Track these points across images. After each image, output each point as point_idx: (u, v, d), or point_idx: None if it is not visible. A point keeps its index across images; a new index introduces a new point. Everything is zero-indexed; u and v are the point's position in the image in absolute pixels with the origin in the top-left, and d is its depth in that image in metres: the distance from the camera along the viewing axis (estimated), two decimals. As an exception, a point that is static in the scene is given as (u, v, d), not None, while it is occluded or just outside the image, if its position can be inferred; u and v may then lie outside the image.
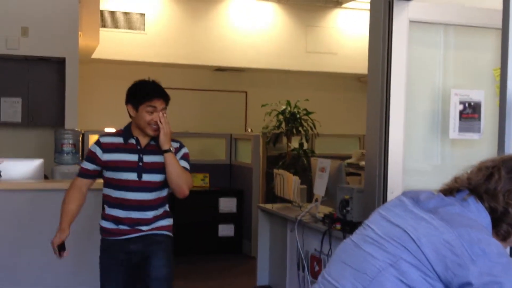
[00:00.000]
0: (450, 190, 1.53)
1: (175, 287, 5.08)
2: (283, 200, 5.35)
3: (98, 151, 2.87)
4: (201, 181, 6.66)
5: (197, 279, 5.55)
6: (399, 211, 1.49)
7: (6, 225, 3.88)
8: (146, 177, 2.83)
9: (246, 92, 9.31)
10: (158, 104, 2.81)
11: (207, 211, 6.43)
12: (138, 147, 2.86)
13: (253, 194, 6.46)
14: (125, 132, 2.91)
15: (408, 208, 1.48)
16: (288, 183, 5.07)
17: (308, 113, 7.65)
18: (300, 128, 7.62)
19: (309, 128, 7.62)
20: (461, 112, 2.98)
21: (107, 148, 2.87)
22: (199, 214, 6.30)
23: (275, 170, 5.67)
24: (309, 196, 5.25)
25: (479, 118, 2.93)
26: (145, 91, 2.84)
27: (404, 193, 1.55)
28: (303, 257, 4.36)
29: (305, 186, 5.22)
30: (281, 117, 7.66)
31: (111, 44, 7.83)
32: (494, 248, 1.37)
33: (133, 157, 2.84)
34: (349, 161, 5.45)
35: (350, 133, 8.39)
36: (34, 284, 3.82)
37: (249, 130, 8.25)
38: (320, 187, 4.45)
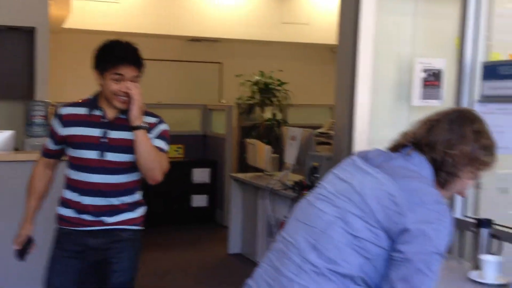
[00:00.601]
0: (396, 146, 1.63)
1: (149, 258, 5.18)
2: (255, 169, 5.45)
3: (56, 125, 2.46)
4: (175, 152, 6.71)
5: (170, 249, 5.65)
6: (350, 168, 1.60)
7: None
8: (110, 156, 2.39)
9: (221, 63, 9.30)
10: (127, 71, 2.35)
11: (180, 182, 6.51)
12: (103, 120, 2.42)
13: (226, 165, 6.55)
14: (91, 102, 2.47)
15: (357, 165, 1.58)
16: (260, 152, 5.16)
17: (281, 83, 7.72)
18: (273, 99, 7.70)
19: (282, 99, 7.70)
20: (424, 80, 3.07)
21: (67, 120, 2.44)
22: (172, 185, 6.36)
23: (247, 140, 5.76)
24: (282, 165, 5.36)
25: (440, 86, 3.03)
26: (112, 55, 2.39)
27: (356, 153, 1.65)
28: (273, 224, 4.48)
29: (277, 155, 5.33)
30: (255, 87, 7.72)
31: (83, 14, 7.73)
32: (431, 197, 1.47)
33: (96, 132, 2.41)
34: (320, 130, 5.54)
35: (323, 103, 8.47)
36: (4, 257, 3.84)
37: (223, 101, 8.30)
38: (290, 156, 4.55)
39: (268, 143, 5.71)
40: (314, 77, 9.31)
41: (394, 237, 1.43)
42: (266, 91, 7.68)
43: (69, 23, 7.52)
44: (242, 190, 5.42)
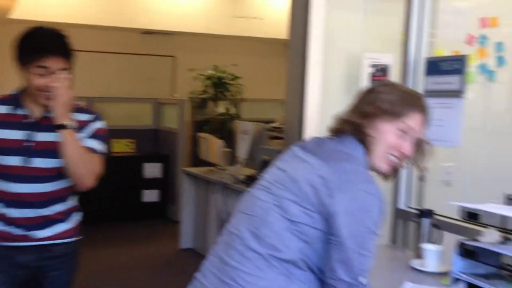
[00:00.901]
0: (332, 133, 1.70)
1: (100, 254, 5.15)
2: (208, 164, 5.48)
3: None
4: (125, 146, 6.67)
5: (121, 245, 5.62)
6: (288, 158, 1.67)
7: None
8: (37, 162, 2.08)
9: (174, 57, 9.27)
10: (53, 63, 2.04)
11: (131, 176, 6.48)
12: (28, 121, 2.10)
13: (178, 159, 6.56)
14: (13, 99, 2.14)
15: (295, 154, 1.65)
16: (212, 146, 5.19)
17: (235, 78, 7.76)
18: (226, 93, 7.74)
19: (236, 93, 7.75)
20: (372, 75, 3.17)
21: None
22: (123, 180, 6.33)
23: (199, 134, 5.79)
24: (234, 159, 5.41)
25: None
26: (34, 45, 2.06)
27: (296, 143, 1.71)
28: (225, 218, 4.52)
29: (230, 150, 5.37)
30: (208, 82, 7.74)
31: (31, 4, 7.58)
32: (360, 176, 1.53)
33: (18, 134, 2.09)
34: (273, 124, 5.62)
35: (277, 97, 8.57)
36: None
37: (176, 95, 8.29)
38: (242, 150, 4.61)
39: (221, 137, 5.74)
40: (267, 71, 9.38)
41: (329, 219, 1.48)
42: (220, 86, 7.71)
43: (17, 14, 7.36)
44: (194, 184, 5.44)
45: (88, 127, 2.15)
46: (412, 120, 1.64)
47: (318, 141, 1.68)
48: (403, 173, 2.71)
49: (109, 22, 8.11)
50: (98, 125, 2.19)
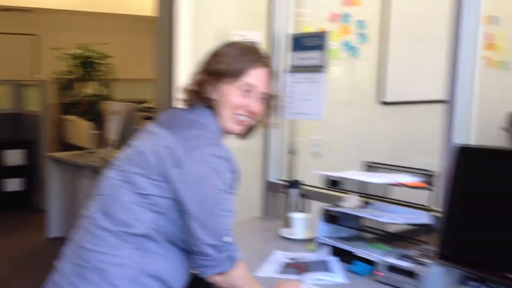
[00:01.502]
0: (184, 103, 1.73)
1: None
2: (76, 147, 5.35)
3: None
4: (-18, 132, 6.33)
5: (-19, 238, 5.36)
6: (143, 134, 1.69)
7: None
8: None
9: (36, 35, 8.87)
10: None
11: (-11, 165, 6.17)
12: None
13: (42, 144, 6.34)
14: None
15: (148, 129, 1.69)
16: (79, 129, 5.08)
17: (104, 57, 7.58)
18: (96, 73, 7.55)
19: (106, 73, 7.58)
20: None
21: None
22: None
23: (65, 117, 5.63)
24: (106, 141, 5.33)
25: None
26: None
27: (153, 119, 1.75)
28: (95, 203, 4.47)
29: (100, 131, 5.28)
30: (75, 61, 7.49)
31: None
32: (204, 140, 1.58)
33: None
34: (146, 105, 5.60)
35: (150, 77, 8.49)
36: None
37: (41, 77, 7.95)
38: (112, 131, 4.56)
39: (91, 119, 5.61)
40: (139, 50, 9.28)
41: (177, 188, 1.53)
42: (88, 65, 7.49)
43: None
44: (61, 170, 5.30)
45: None
46: (252, 77, 1.67)
47: (171, 113, 1.72)
48: (273, 147, 2.84)
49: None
50: None
